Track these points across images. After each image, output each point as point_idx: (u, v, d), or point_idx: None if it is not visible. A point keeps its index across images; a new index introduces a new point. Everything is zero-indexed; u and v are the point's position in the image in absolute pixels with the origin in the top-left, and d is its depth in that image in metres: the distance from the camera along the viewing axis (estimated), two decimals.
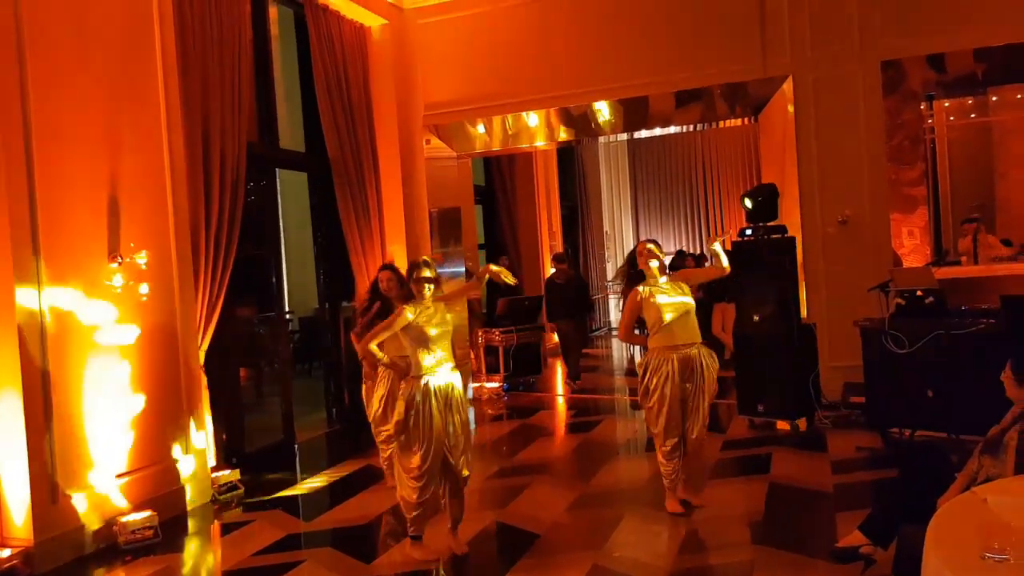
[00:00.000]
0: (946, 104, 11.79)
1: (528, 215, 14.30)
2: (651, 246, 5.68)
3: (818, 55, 8.51)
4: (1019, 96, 11.30)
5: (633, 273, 5.76)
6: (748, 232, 8.05)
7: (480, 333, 11.43)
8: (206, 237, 6.87)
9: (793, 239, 8.07)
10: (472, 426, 5.30)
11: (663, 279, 5.62)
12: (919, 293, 6.88)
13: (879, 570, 4.10)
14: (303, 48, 9.15)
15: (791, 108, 8.70)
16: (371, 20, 9.61)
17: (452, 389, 5.03)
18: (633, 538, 5.37)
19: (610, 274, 17.80)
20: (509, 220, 13.88)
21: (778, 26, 8.63)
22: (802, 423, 7.71)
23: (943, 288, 6.91)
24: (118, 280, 5.92)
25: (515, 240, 13.91)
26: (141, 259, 6.07)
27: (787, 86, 8.72)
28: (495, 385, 11.00)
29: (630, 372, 12.24)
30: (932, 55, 8.38)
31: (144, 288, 6.14)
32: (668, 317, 5.49)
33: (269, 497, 6.81)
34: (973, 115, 11.95)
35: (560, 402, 10.64)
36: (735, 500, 5.89)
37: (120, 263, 5.92)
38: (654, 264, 5.60)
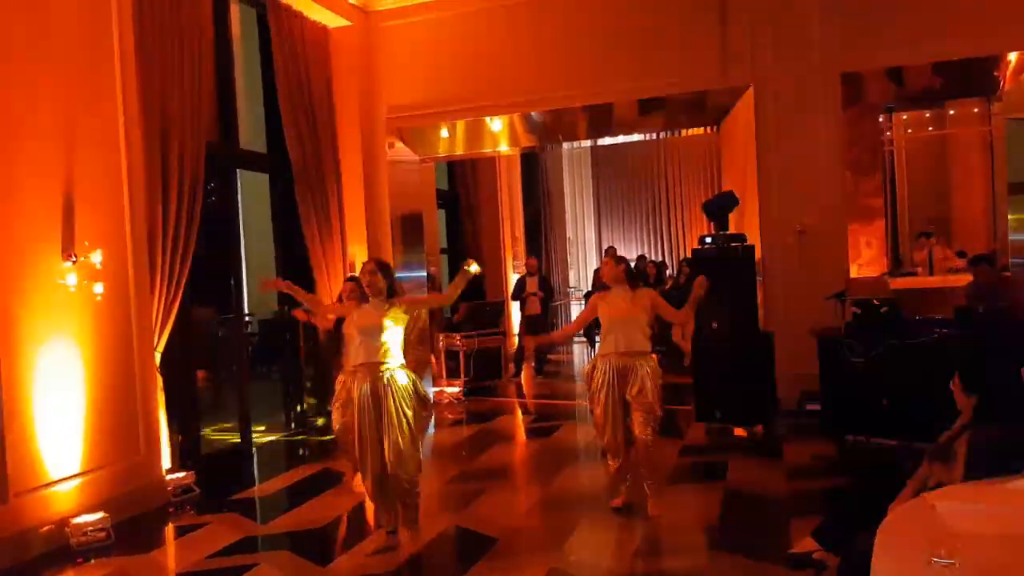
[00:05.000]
0: (904, 117, 11.99)
1: (491, 220, 14.28)
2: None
3: (779, 66, 8.59)
4: (976, 110, 11.51)
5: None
6: (708, 240, 8.11)
7: (441, 337, 11.40)
8: (163, 237, 6.78)
9: (752, 248, 8.15)
10: (424, 430, 5.35)
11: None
12: (875, 302, 6.98)
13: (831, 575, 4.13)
14: (265, 48, 9.07)
15: (752, 118, 8.77)
16: (334, 21, 9.54)
17: (389, 390, 5.16)
18: (589, 542, 5.38)
19: (572, 280, 17.91)
20: (472, 225, 13.85)
21: (740, 37, 8.71)
22: (759, 430, 7.78)
23: (898, 298, 7.03)
24: (72, 279, 5.81)
25: (478, 245, 13.87)
26: (96, 258, 5.96)
27: (748, 96, 8.80)
28: (455, 390, 10.97)
29: None
30: (891, 68, 8.51)
31: (99, 288, 6.02)
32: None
33: (225, 500, 6.72)
34: (931, 128, 12.16)
35: (519, 407, 10.63)
36: (691, 505, 5.93)
37: (74, 261, 5.81)
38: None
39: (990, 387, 3.75)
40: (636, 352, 5.59)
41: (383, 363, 5.17)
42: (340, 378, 6.49)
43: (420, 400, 5.30)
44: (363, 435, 5.19)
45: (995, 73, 8.58)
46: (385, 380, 5.15)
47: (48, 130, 5.76)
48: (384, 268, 5.35)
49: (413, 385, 5.26)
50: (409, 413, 5.17)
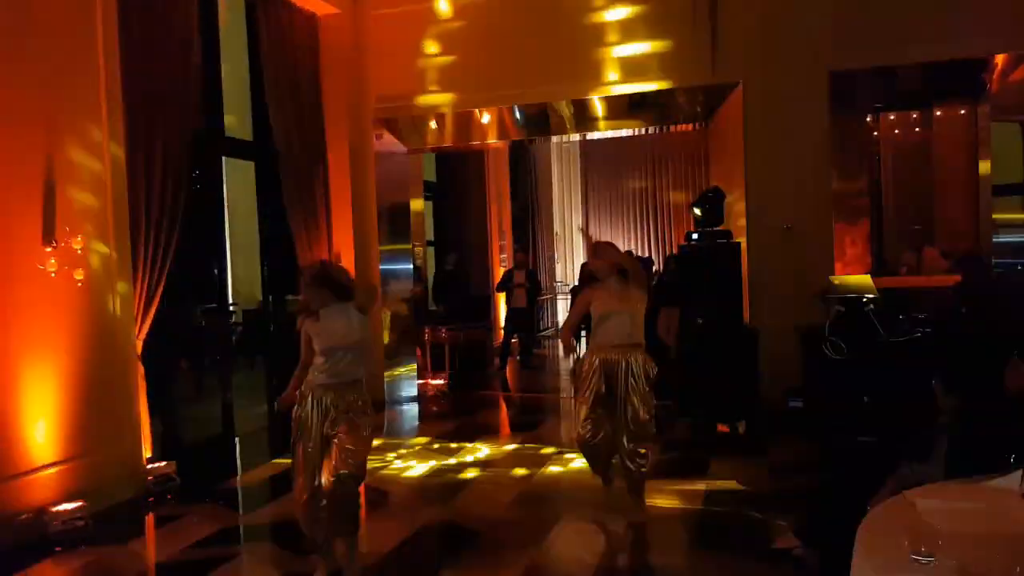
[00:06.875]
0: (892, 117, 12.01)
1: (479, 212, 14.26)
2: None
3: (768, 64, 8.58)
4: (962, 112, 11.54)
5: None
6: (694, 237, 8.11)
7: (427, 331, 11.38)
8: (146, 224, 6.70)
9: (738, 244, 8.16)
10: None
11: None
12: (860, 301, 7.00)
13: (811, 572, 4.14)
14: (252, 34, 8.98)
15: (740, 115, 8.77)
16: (323, 8, 9.44)
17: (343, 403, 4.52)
18: (572, 537, 5.38)
19: (559, 274, 17.89)
20: (459, 217, 13.83)
21: (730, 34, 8.70)
22: (742, 426, 7.79)
23: (882, 297, 7.05)
24: (52, 265, 5.75)
25: (465, 237, 13.85)
26: (77, 245, 5.89)
27: (737, 93, 8.80)
28: (440, 383, 10.96)
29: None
30: (880, 68, 8.51)
31: (79, 274, 5.96)
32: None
33: (206, 490, 6.69)
34: (917, 129, 12.18)
35: (505, 400, 10.62)
36: (673, 501, 5.93)
37: (54, 247, 5.75)
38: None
39: (970, 386, 3.76)
40: (628, 345, 5.52)
41: (355, 382, 4.59)
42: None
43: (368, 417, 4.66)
44: (309, 455, 4.51)
45: (982, 75, 8.62)
46: (350, 401, 4.52)
47: (28, 114, 5.69)
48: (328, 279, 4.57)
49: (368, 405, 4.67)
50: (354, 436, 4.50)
